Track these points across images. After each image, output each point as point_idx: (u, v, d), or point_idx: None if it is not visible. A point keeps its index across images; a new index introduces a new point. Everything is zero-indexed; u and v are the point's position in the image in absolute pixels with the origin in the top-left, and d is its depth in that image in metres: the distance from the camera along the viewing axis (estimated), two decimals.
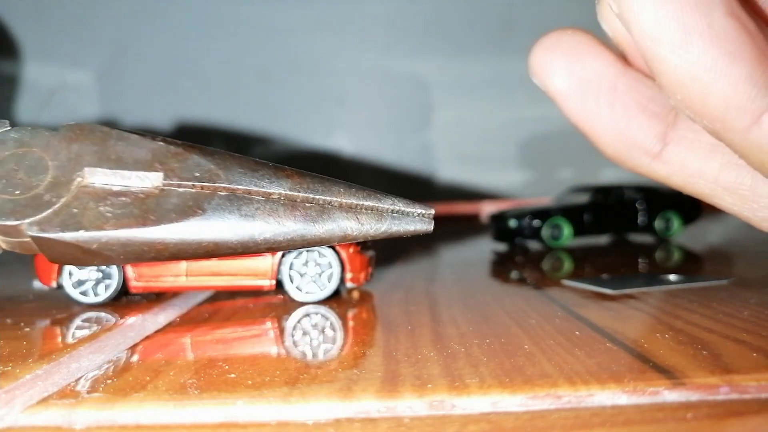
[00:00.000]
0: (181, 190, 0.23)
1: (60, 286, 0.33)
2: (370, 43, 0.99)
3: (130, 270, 0.33)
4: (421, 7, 0.98)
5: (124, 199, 0.23)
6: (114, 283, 0.33)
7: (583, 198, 0.61)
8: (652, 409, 0.17)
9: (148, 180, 0.24)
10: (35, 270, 0.33)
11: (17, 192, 0.23)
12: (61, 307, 0.32)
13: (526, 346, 0.23)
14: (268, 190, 0.24)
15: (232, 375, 0.21)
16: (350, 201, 0.24)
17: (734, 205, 0.20)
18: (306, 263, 0.33)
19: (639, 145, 0.20)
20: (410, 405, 0.18)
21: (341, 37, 0.99)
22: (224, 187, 0.24)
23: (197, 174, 0.24)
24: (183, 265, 0.33)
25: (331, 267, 0.33)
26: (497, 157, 0.99)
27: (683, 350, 0.22)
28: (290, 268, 0.33)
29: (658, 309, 0.29)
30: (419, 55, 0.99)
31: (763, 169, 0.17)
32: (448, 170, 1.00)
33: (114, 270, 0.33)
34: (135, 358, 0.23)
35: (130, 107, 0.98)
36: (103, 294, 0.33)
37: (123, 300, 0.34)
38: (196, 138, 0.98)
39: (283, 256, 0.33)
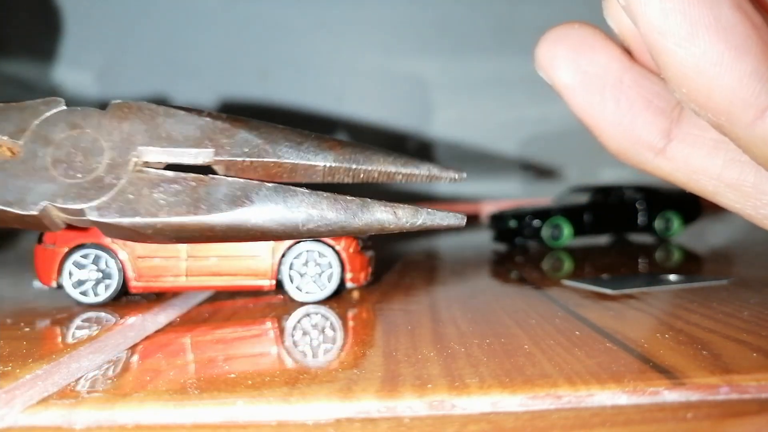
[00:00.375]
0: (230, 179, 0.24)
1: (60, 286, 0.33)
2: (370, 44, 0.99)
3: (130, 270, 0.33)
4: (422, 7, 0.98)
5: (176, 186, 0.24)
6: (114, 283, 0.33)
7: (583, 198, 0.61)
8: (652, 409, 0.17)
9: (200, 157, 0.24)
10: (35, 270, 0.33)
11: (79, 175, 0.24)
12: (61, 307, 0.32)
13: (526, 346, 0.23)
14: (313, 163, 0.25)
15: (232, 375, 0.21)
16: (389, 169, 0.25)
17: (737, 202, 0.20)
18: (306, 263, 0.33)
19: (643, 140, 0.20)
20: (410, 405, 0.18)
21: (341, 37, 0.99)
22: (273, 162, 0.24)
23: (246, 150, 0.25)
24: (183, 264, 0.33)
25: (331, 267, 0.33)
26: (497, 157, 0.99)
27: (683, 350, 0.22)
28: (290, 268, 0.33)
29: (658, 309, 0.29)
30: (419, 55, 0.99)
31: (767, 164, 0.17)
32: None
33: (114, 270, 0.33)
34: (135, 358, 0.23)
35: None
36: (103, 294, 0.33)
37: (123, 300, 0.34)
38: None
39: (283, 256, 0.33)
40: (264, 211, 0.23)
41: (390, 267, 0.45)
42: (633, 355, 0.21)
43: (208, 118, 0.25)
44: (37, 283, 0.34)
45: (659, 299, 0.31)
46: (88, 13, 0.96)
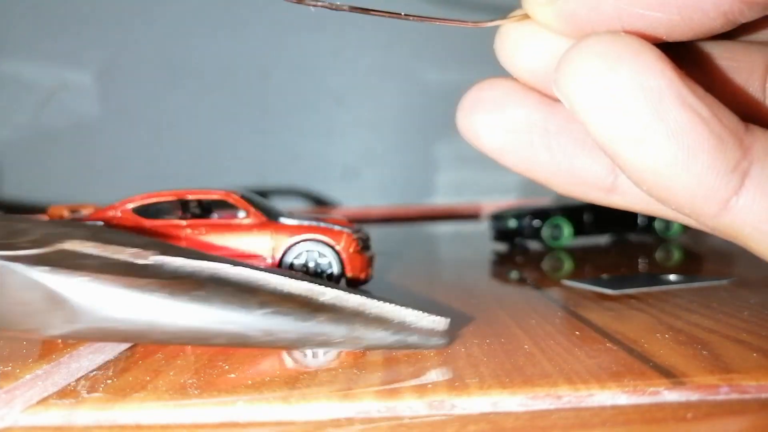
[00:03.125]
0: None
1: None
2: (370, 43, 0.99)
3: None
4: (421, 7, 0.98)
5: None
6: None
7: None
8: (652, 409, 0.17)
9: None
10: None
11: None
12: None
13: (526, 346, 0.23)
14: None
15: (232, 375, 0.21)
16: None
17: (701, 226, 0.19)
18: (306, 263, 0.33)
19: (589, 181, 0.19)
20: (410, 405, 0.18)
21: (341, 37, 0.99)
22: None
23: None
24: None
25: (331, 267, 0.33)
26: None
27: (683, 350, 0.22)
28: (290, 268, 0.33)
29: (658, 309, 0.29)
30: (419, 55, 0.99)
31: (739, 243, 0.17)
32: (448, 170, 1.00)
33: None
34: (135, 358, 0.23)
35: (130, 107, 0.98)
36: None
37: None
38: (196, 138, 0.98)
39: (283, 255, 0.33)
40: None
41: (390, 267, 0.45)
42: (633, 355, 0.21)
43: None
44: None
45: (659, 299, 0.31)
46: (88, 13, 0.96)
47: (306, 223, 0.34)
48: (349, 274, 0.33)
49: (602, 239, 0.63)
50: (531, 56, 0.18)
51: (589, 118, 0.15)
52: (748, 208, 0.15)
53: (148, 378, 0.20)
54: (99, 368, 0.22)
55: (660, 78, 0.15)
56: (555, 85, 0.16)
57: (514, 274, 0.44)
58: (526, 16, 0.18)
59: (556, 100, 0.19)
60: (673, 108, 0.15)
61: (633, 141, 0.15)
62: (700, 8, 0.16)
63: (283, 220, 0.34)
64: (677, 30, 0.16)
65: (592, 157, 0.19)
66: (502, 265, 0.50)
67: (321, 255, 0.33)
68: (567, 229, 0.58)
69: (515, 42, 0.18)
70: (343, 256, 0.33)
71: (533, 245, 0.60)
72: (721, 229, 0.16)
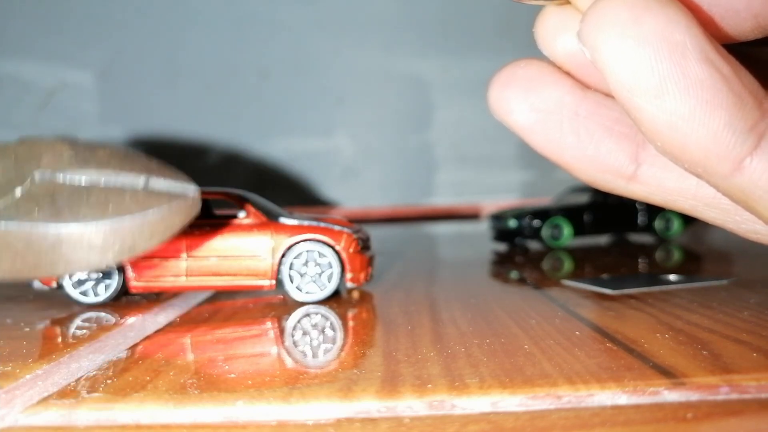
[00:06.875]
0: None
1: (60, 286, 0.33)
2: (370, 43, 0.99)
3: (130, 270, 0.33)
4: (421, 7, 0.98)
5: None
6: (114, 283, 0.33)
7: (583, 198, 0.61)
8: (652, 409, 0.17)
9: None
10: None
11: None
12: (61, 307, 0.32)
13: (526, 346, 0.23)
14: None
15: (232, 375, 0.21)
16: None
17: (717, 218, 0.19)
18: (306, 263, 0.33)
19: (612, 168, 0.20)
20: (410, 405, 0.18)
21: (341, 37, 0.99)
22: None
23: None
24: (183, 264, 0.33)
25: (331, 267, 0.33)
26: (497, 157, 0.99)
27: (683, 350, 0.22)
28: (290, 268, 0.33)
29: (658, 309, 0.29)
30: (419, 55, 0.99)
31: (748, 208, 0.17)
32: (448, 170, 1.00)
33: (114, 270, 0.33)
34: (135, 358, 0.23)
35: (130, 107, 0.98)
36: (103, 294, 0.33)
37: (123, 300, 0.34)
38: (196, 137, 0.98)
39: (283, 256, 0.33)
40: None
41: (390, 267, 0.45)
42: (633, 355, 0.21)
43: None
44: (37, 283, 0.34)
45: (659, 299, 0.31)
46: (88, 13, 0.96)
47: (306, 223, 0.34)
48: (348, 273, 0.33)
49: (602, 239, 0.63)
50: (568, 40, 0.18)
51: (610, 68, 0.15)
52: (762, 169, 0.15)
53: (148, 378, 0.20)
54: (99, 368, 0.22)
55: (684, 32, 0.15)
56: (579, 35, 0.16)
57: (514, 274, 0.43)
58: (567, 1, 0.18)
59: (589, 86, 0.19)
60: (695, 62, 0.15)
61: (652, 93, 0.15)
62: (732, 6, 0.16)
63: (283, 220, 0.34)
64: (707, 30, 0.16)
65: (617, 145, 0.19)
66: (502, 265, 0.50)
67: (321, 255, 0.33)
68: (567, 229, 0.58)
69: (554, 25, 0.19)
70: (343, 256, 0.33)
71: (533, 245, 0.60)
72: (732, 191, 0.16)
